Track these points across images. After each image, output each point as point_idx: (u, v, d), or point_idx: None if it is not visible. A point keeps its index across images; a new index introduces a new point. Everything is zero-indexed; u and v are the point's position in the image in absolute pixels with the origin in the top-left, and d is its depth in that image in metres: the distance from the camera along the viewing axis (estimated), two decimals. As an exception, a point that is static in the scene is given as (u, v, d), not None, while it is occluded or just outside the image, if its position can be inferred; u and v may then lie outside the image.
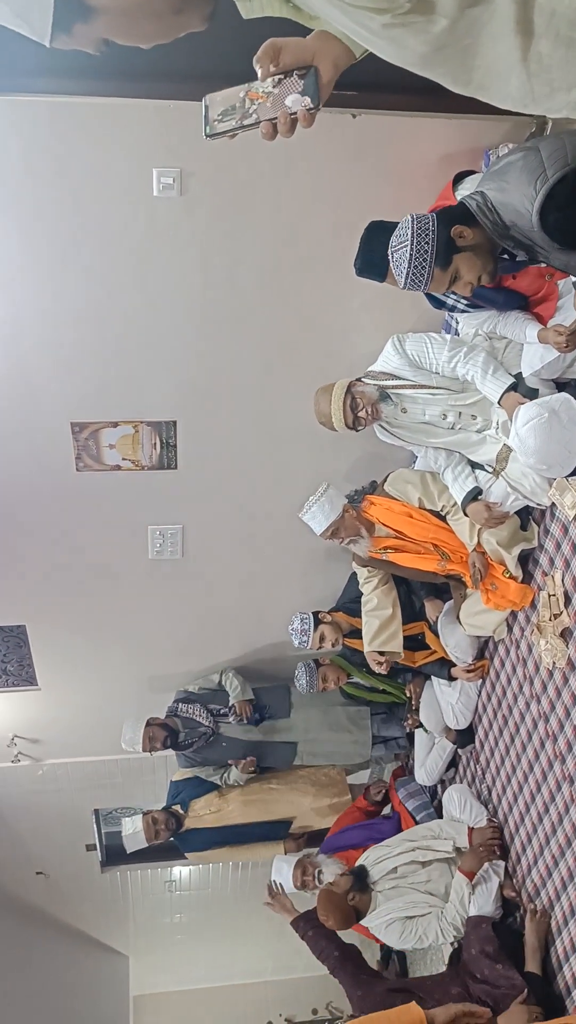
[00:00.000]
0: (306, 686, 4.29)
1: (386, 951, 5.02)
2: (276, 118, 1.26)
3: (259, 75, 1.27)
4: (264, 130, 1.27)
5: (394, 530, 3.65)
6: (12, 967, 6.46)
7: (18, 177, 3.19)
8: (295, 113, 1.26)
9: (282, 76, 1.27)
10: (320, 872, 4.07)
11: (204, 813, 4.62)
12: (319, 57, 1.27)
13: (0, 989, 6.21)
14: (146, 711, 4.66)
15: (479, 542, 3.42)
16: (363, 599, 3.94)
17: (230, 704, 4.56)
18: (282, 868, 4.25)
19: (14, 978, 6.48)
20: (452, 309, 3.23)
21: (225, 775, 4.63)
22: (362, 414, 3.29)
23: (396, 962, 5.08)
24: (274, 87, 1.26)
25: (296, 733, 4.58)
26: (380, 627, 3.86)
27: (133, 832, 4.52)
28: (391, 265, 2.69)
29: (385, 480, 3.72)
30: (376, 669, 3.94)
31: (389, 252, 2.67)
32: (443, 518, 3.57)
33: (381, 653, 3.91)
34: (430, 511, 3.59)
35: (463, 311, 3.20)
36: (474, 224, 2.49)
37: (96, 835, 6.13)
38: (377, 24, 1.12)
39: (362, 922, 3.78)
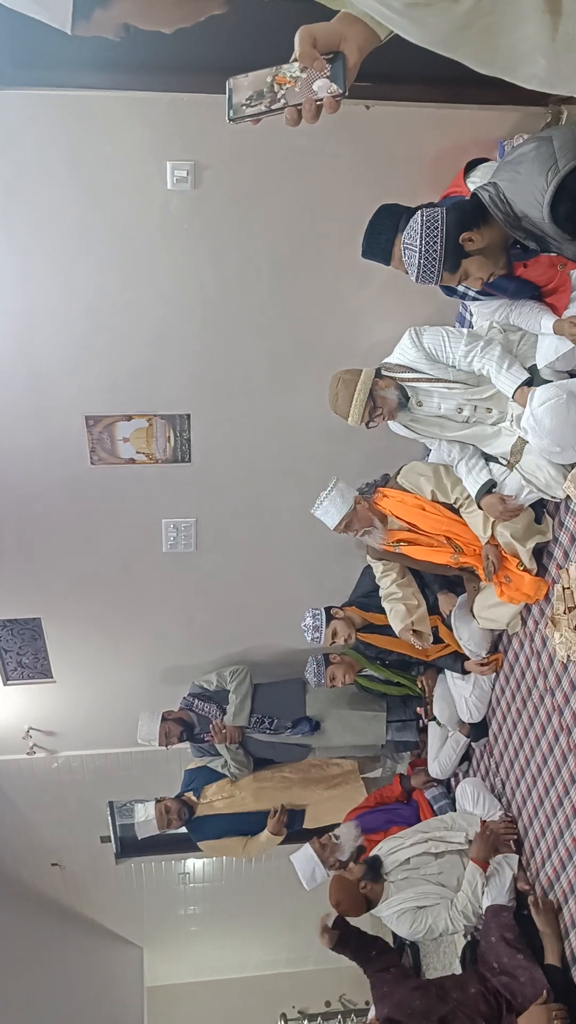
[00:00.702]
0: (314, 680, 4.28)
1: (399, 944, 5.02)
2: (301, 104, 1.24)
3: (302, 61, 1.23)
4: (288, 116, 1.25)
5: (407, 523, 3.65)
6: (28, 957, 6.51)
7: (32, 170, 3.19)
8: (321, 99, 1.24)
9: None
10: (337, 839, 4.11)
11: (216, 799, 4.63)
12: (345, 41, 1.25)
13: (16, 979, 6.27)
14: (160, 704, 4.68)
15: (493, 535, 3.41)
16: (383, 591, 3.91)
17: (219, 718, 4.56)
18: (307, 873, 4.24)
19: (30, 968, 6.53)
20: (463, 297, 3.23)
21: (226, 765, 4.65)
22: (379, 418, 3.31)
23: (409, 955, 5.08)
24: (302, 71, 1.24)
25: (311, 737, 4.58)
26: (408, 610, 3.81)
27: (145, 819, 4.54)
28: (403, 258, 2.70)
29: (398, 473, 3.71)
30: (417, 644, 3.81)
31: (401, 245, 2.68)
32: (456, 511, 3.56)
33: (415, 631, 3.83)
34: (443, 504, 3.58)
35: (474, 299, 3.19)
36: (483, 225, 2.49)
37: (111, 827, 6.17)
38: (400, 3, 1.11)
39: (373, 911, 3.79)
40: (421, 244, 2.56)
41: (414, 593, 3.88)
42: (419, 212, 2.59)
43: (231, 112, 1.27)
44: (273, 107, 1.26)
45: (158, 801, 4.60)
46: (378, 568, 3.91)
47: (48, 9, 1.12)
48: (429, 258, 2.56)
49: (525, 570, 3.39)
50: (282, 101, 1.25)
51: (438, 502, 3.58)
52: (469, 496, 3.45)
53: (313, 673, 4.28)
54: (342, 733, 4.56)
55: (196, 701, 4.63)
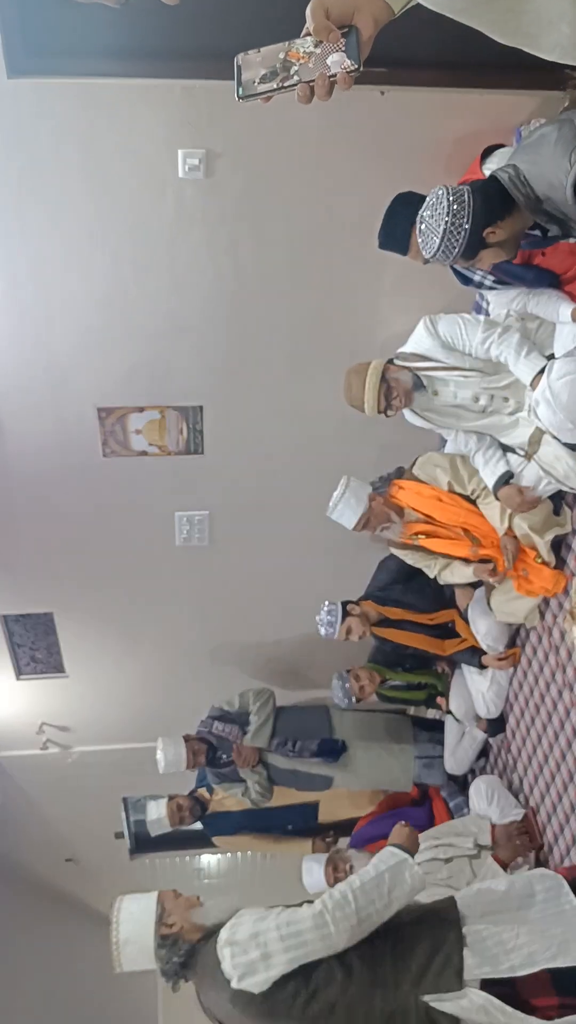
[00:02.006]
0: (343, 698, 4.17)
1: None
2: (314, 80, 1.20)
3: (316, 35, 1.17)
4: (301, 92, 1.19)
5: (424, 515, 3.60)
6: (42, 952, 6.52)
7: (45, 160, 3.18)
8: (335, 75, 1.18)
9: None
10: (351, 868, 4.04)
11: (227, 797, 4.58)
12: (358, 13, 1.19)
13: (31, 974, 6.27)
14: (173, 698, 4.67)
15: (510, 526, 3.36)
16: (432, 572, 3.78)
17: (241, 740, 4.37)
18: (312, 868, 4.23)
19: (45, 963, 6.54)
20: (480, 286, 3.18)
21: (246, 791, 4.45)
22: (395, 402, 3.25)
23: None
24: (315, 47, 1.18)
25: (333, 768, 4.38)
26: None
27: (158, 817, 4.48)
28: (418, 235, 2.63)
29: (413, 464, 3.67)
30: (495, 577, 3.51)
31: (418, 223, 2.62)
32: (474, 502, 3.52)
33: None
34: (460, 495, 3.53)
35: (491, 287, 3.14)
36: (506, 216, 2.44)
37: (125, 823, 6.16)
38: None
39: None
40: (446, 228, 2.48)
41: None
42: (444, 191, 2.50)
43: (240, 90, 1.21)
44: (285, 84, 1.20)
45: (170, 799, 4.55)
46: (408, 557, 3.83)
47: None
48: (450, 243, 2.50)
49: (543, 563, 3.34)
50: (295, 78, 1.19)
51: (455, 493, 3.52)
52: (486, 487, 3.39)
53: (340, 690, 4.16)
54: (367, 766, 4.37)
55: (215, 723, 4.43)
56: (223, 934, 2.23)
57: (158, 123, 3.17)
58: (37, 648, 4.75)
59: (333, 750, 4.33)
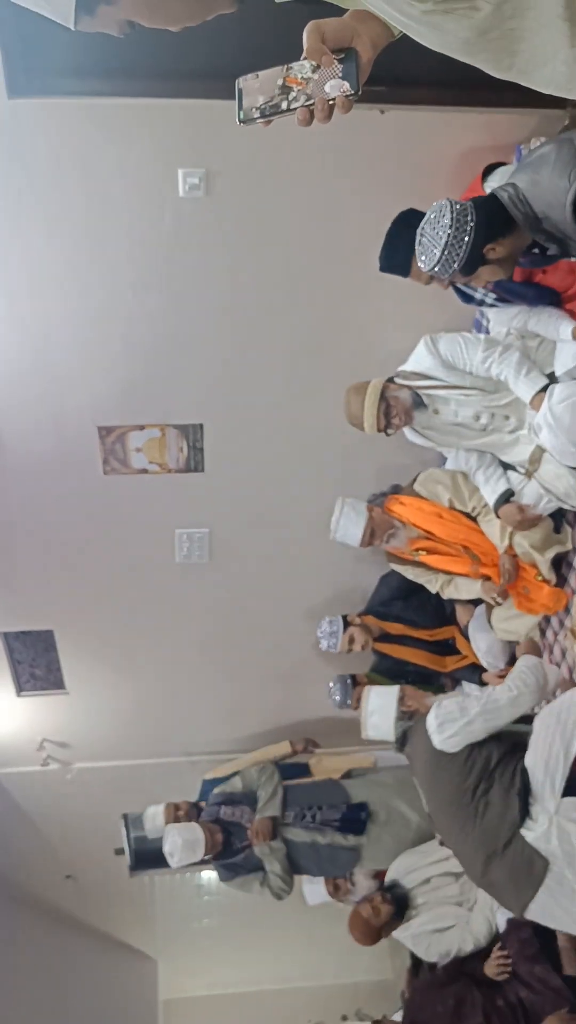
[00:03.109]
0: (340, 701, 4.14)
1: (416, 960, 4.95)
2: (313, 103, 1.20)
3: (310, 57, 1.19)
4: (300, 116, 1.20)
5: (424, 531, 3.59)
6: (42, 970, 6.48)
7: (45, 178, 3.18)
8: (333, 99, 1.19)
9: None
10: (353, 885, 4.00)
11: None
12: (357, 37, 1.20)
13: (31, 992, 6.23)
14: (173, 715, 4.63)
15: (510, 544, 3.35)
16: (435, 588, 3.75)
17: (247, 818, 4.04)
18: (314, 890, 4.14)
19: (44, 981, 6.50)
20: (481, 304, 3.18)
21: (265, 880, 4.08)
22: (395, 420, 3.24)
23: (427, 969, 5.01)
24: (313, 72, 1.19)
25: (360, 838, 3.96)
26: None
27: (154, 815, 4.38)
28: (418, 247, 2.61)
29: (413, 482, 3.66)
30: (496, 591, 3.50)
31: (418, 235, 2.59)
32: (474, 519, 3.51)
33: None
34: (461, 512, 3.53)
35: (492, 305, 3.14)
36: (507, 234, 2.44)
37: (125, 839, 6.11)
38: (417, 11, 1.08)
39: (393, 934, 3.74)
40: (447, 241, 2.46)
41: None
42: (446, 204, 2.49)
43: (241, 114, 1.22)
44: (284, 108, 1.21)
45: (168, 804, 4.39)
46: (409, 573, 3.82)
47: (52, 4, 1.10)
48: (450, 257, 2.48)
49: (544, 580, 3.33)
50: (294, 102, 1.20)
51: (456, 510, 3.52)
52: (487, 504, 3.39)
53: (339, 692, 4.13)
54: (393, 835, 3.93)
55: (222, 808, 4.12)
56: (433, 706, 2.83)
57: (158, 142, 3.18)
58: (37, 665, 4.74)
59: (357, 821, 3.93)
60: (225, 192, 3.31)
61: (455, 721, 2.71)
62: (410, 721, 2.98)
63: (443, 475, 3.57)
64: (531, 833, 2.57)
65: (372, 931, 3.68)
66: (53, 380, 3.67)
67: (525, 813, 2.60)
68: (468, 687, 4.08)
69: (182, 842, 3.90)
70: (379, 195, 3.32)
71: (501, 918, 3.48)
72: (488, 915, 3.49)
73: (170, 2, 1.15)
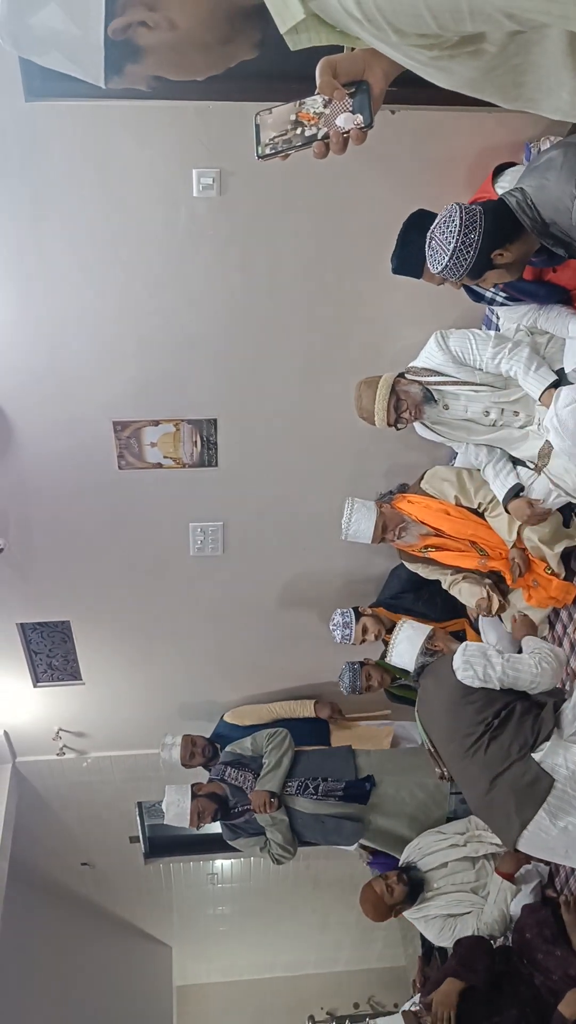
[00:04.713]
0: (349, 687, 4.22)
1: (427, 948, 5.01)
2: (328, 137, 1.24)
3: (322, 91, 1.23)
4: (316, 150, 1.24)
5: (433, 528, 3.63)
6: (59, 956, 6.58)
7: (61, 179, 3.23)
8: (347, 132, 1.23)
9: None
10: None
11: None
12: (369, 70, 1.24)
13: (48, 977, 6.33)
14: (187, 705, 4.69)
15: (519, 538, 3.39)
16: (445, 583, 3.83)
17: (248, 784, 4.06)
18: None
19: (61, 966, 6.60)
20: (491, 303, 3.21)
21: (266, 846, 4.18)
22: (405, 415, 3.28)
23: (438, 958, 5.07)
24: (324, 107, 1.22)
25: (363, 810, 3.99)
26: (475, 584, 3.68)
27: (171, 744, 4.48)
28: (427, 251, 2.65)
29: (420, 479, 3.70)
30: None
31: (428, 239, 2.63)
32: (481, 515, 3.55)
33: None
34: (468, 508, 3.57)
35: (502, 304, 3.17)
36: (515, 239, 2.47)
37: (139, 827, 6.21)
38: (425, 56, 1.12)
39: (404, 913, 3.79)
40: (455, 247, 2.50)
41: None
42: (456, 208, 2.52)
43: (259, 150, 1.26)
44: (299, 143, 1.25)
45: (186, 735, 4.50)
46: (421, 570, 3.86)
47: (82, 66, 1.16)
48: (458, 262, 2.52)
49: (553, 574, 3.37)
50: (308, 136, 1.24)
51: (462, 506, 3.56)
52: (493, 500, 3.43)
53: (348, 678, 4.21)
54: (400, 805, 3.97)
55: (229, 769, 4.16)
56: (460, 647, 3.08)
57: (172, 143, 3.22)
58: (54, 656, 4.81)
59: (361, 791, 3.95)
60: (238, 191, 3.34)
61: (478, 661, 2.99)
62: (431, 658, 3.24)
63: (448, 472, 3.61)
64: (539, 753, 2.80)
65: (383, 908, 3.72)
66: (69, 377, 3.73)
67: (537, 738, 2.82)
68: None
69: (174, 809, 4.05)
70: (390, 194, 3.35)
71: (515, 907, 3.53)
72: (503, 906, 3.53)
73: (193, 57, 1.20)
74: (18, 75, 2.98)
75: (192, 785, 4.14)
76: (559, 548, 3.35)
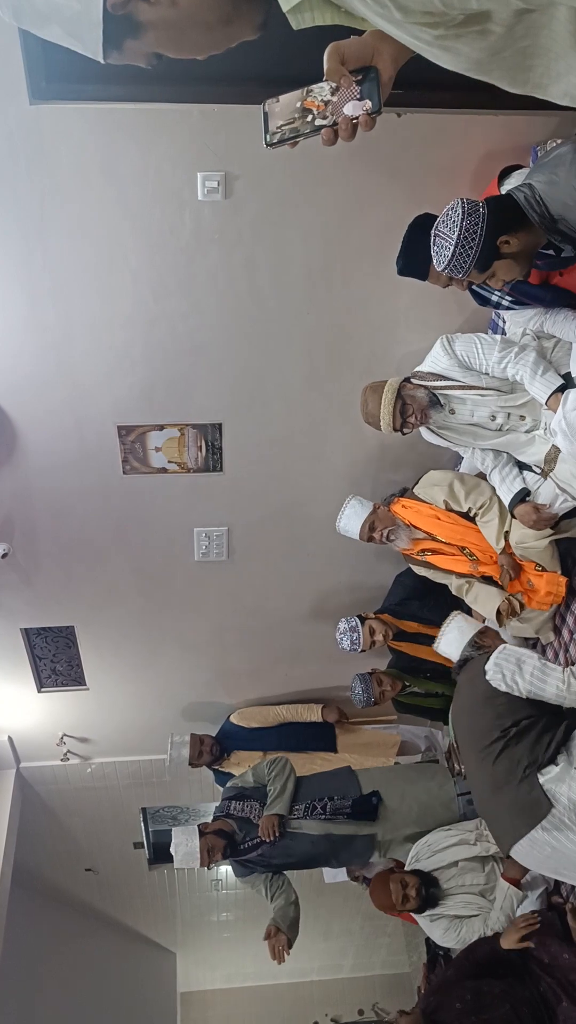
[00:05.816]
0: (363, 697, 4.19)
1: (432, 954, 4.98)
2: (337, 124, 1.22)
3: (329, 78, 1.21)
4: (325, 137, 1.23)
5: (426, 532, 3.64)
6: (63, 961, 6.55)
7: (67, 183, 3.22)
8: (356, 118, 1.22)
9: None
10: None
11: (239, 762, 4.63)
12: (378, 55, 1.22)
13: (52, 982, 6.31)
14: (191, 711, 4.68)
15: (507, 544, 3.39)
16: (456, 590, 3.81)
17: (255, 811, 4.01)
18: (331, 872, 4.20)
19: (65, 972, 6.57)
20: (497, 306, 3.19)
21: (274, 890, 4.13)
22: (411, 419, 3.27)
23: (443, 964, 5.04)
24: (332, 94, 1.21)
25: (374, 825, 3.93)
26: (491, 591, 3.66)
27: (181, 742, 4.61)
28: (432, 246, 2.62)
29: (416, 484, 3.71)
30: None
31: (432, 235, 2.61)
32: (473, 520, 3.54)
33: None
34: (459, 513, 3.57)
35: (508, 307, 3.15)
36: (520, 229, 2.44)
37: (143, 833, 6.19)
38: (430, 36, 1.10)
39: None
40: (460, 235, 2.46)
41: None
42: (458, 202, 2.49)
43: (267, 137, 1.25)
44: (307, 131, 1.24)
45: (195, 735, 4.65)
46: (428, 574, 3.85)
47: (80, 40, 1.15)
48: (464, 252, 2.48)
49: (541, 569, 3.37)
50: (316, 123, 1.23)
51: (452, 511, 3.56)
52: (484, 505, 3.44)
53: (360, 688, 4.19)
54: (407, 813, 3.92)
55: (232, 803, 4.10)
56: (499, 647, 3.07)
57: (177, 146, 3.21)
58: (58, 661, 4.80)
59: (369, 806, 3.91)
60: (243, 195, 3.33)
61: (508, 666, 2.95)
62: (477, 652, 3.30)
63: (440, 477, 3.62)
64: (545, 776, 2.77)
65: (390, 906, 3.76)
66: (74, 382, 3.72)
67: (548, 760, 2.79)
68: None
69: (182, 851, 3.94)
70: (395, 197, 3.34)
71: (521, 912, 3.50)
72: (509, 912, 3.51)
73: (193, 34, 1.18)
74: (23, 76, 2.97)
75: (198, 824, 4.07)
76: (544, 541, 3.34)
